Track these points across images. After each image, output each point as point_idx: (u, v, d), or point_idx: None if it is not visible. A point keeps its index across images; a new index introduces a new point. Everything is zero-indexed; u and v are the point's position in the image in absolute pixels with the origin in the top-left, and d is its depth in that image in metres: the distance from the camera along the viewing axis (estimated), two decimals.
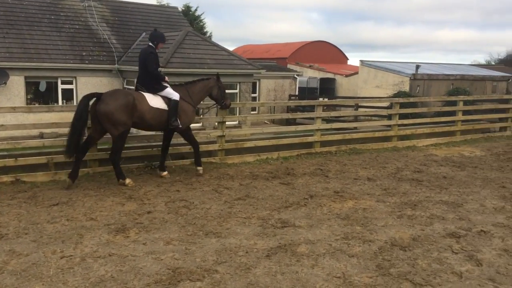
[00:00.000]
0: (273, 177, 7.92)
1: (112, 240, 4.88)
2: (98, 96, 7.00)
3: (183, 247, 4.69)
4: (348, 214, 5.89)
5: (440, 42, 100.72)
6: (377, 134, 11.20)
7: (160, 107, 7.31)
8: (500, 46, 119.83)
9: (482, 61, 56.15)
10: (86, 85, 17.71)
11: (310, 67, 32.79)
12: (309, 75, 31.47)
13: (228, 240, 4.92)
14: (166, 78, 7.67)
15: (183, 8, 41.34)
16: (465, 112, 13.24)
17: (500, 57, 55.35)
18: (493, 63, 52.15)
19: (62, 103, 17.66)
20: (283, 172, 8.31)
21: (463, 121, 12.88)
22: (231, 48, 41.48)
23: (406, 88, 25.48)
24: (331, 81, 31.59)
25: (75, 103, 16.97)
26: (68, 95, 18.00)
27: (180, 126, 7.49)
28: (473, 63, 47.64)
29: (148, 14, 22.79)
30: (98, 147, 7.76)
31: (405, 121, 11.89)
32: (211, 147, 8.81)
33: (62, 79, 17.80)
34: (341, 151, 10.47)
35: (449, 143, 12.23)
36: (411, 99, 13.46)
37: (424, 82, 26.37)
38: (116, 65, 18.42)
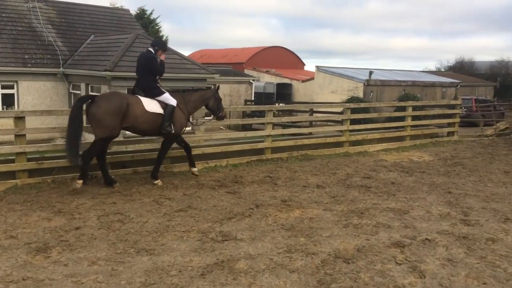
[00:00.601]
0: (220, 186, 7.59)
1: (30, 261, 4.38)
2: (92, 98, 7.03)
3: (109, 267, 4.27)
4: (294, 225, 5.65)
5: (394, 49, 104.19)
6: (328, 140, 11.11)
7: (156, 112, 7.30)
8: (450, 54, 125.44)
9: (433, 68, 58.26)
10: (29, 89, 16.73)
11: (267, 72, 32.82)
12: (266, 80, 31.48)
13: (162, 257, 4.54)
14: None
15: (138, 11, 40.41)
16: (414, 118, 13.45)
17: (449, 64, 57.56)
18: (443, 70, 54.18)
19: (2, 108, 16.57)
20: (231, 180, 7.99)
21: (412, 126, 13.07)
22: (187, 53, 40.95)
23: (360, 93, 25.91)
24: (288, 86, 31.72)
25: (16, 109, 16.00)
26: (9, 100, 16.92)
27: (173, 131, 7.49)
28: (425, 70, 49.35)
29: (98, 17, 21.95)
30: (28, 156, 7.17)
31: (356, 127, 11.89)
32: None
33: (2, 83, 16.72)
34: (292, 157, 10.29)
35: (399, 148, 12.33)
36: (362, 105, 13.54)
37: (378, 87, 26.94)
38: (61, 69, 17.53)
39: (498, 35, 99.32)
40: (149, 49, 7.59)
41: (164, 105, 7.41)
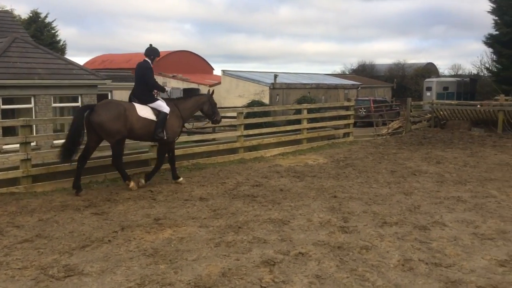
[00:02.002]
0: (87, 206, 6.70)
1: None
2: (91, 107, 7.44)
3: None
4: (158, 249, 4.98)
5: (305, 53, 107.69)
6: (221, 147, 10.62)
7: (148, 118, 7.64)
8: (354, 58, 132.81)
9: (339, 71, 60.96)
10: None
11: (173, 77, 31.80)
12: (173, 85, 30.47)
13: None
14: (167, 88, 8.39)
15: (31, 15, 37.22)
16: (312, 120, 13.47)
17: (353, 68, 60.62)
18: (347, 73, 56.89)
19: None
20: (103, 199, 7.12)
21: (308, 129, 13.05)
22: (89, 58, 38.45)
23: (266, 97, 25.97)
24: (195, 91, 30.94)
25: None
26: None
27: (165, 138, 7.82)
28: (332, 73, 51.37)
29: None
30: None
31: (251, 131, 11.54)
32: (12, 174, 7.23)
33: None
34: (182, 167, 9.62)
35: (296, 151, 12.23)
36: (255, 108, 13.24)
37: (283, 91, 27.22)
38: None
39: (396, 40, 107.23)
40: (146, 59, 7.98)
41: (157, 112, 7.77)
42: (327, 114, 14.21)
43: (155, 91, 8.07)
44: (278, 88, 26.60)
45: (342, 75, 47.84)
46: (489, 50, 31.01)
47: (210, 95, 8.68)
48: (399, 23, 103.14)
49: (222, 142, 10.96)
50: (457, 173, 9.08)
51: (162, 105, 7.82)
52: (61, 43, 38.25)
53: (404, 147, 13.02)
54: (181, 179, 8.32)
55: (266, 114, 13.95)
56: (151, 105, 7.78)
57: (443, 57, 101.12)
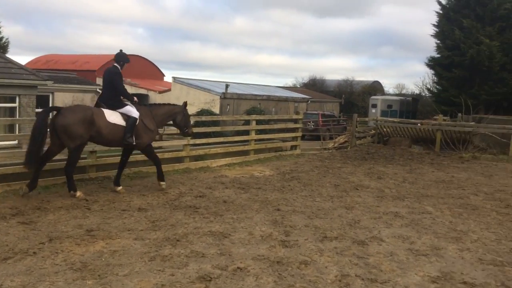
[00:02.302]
0: (14, 215, 6.23)
1: None
2: (57, 109, 7.34)
3: None
4: (87, 262, 4.68)
5: (259, 65, 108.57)
6: (166, 155, 10.32)
7: (117, 123, 7.54)
8: (306, 72, 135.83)
9: (291, 85, 61.97)
10: None
11: None
12: None
13: None
14: (135, 98, 8.05)
15: None
16: (260, 131, 13.48)
17: (304, 81, 61.87)
18: (298, 86, 57.95)
19: None
20: (33, 207, 6.66)
21: (257, 140, 13.04)
22: (32, 57, 36.61)
23: (217, 106, 25.82)
24: (144, 97, 30.28)
25: None
26: None
27: (134, 143, 7.77)
28: (284, 86, 52.08)
29: None
30: None
31: (198, 141, 11.34)
32: None
33: None
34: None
35: (243, 162, 12.15)
36: (203, 118, 13.08)
37: (234, 101, 27.20)
38: None
39: (347, 57, 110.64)
40: (115, 64, 7.89)
41: (126, 117, 7.66)
42: (275, 126, 14.28)
43: (135, 98, 8.10)
44: (229, 98, 26.55)
45: (293, 88, 48.65)
46: (430, 72, 32.67)
47: (184, 106, 8.72)
48: (350, 41, 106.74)
49: (168, 150, 10.66)
50: (396, 189, 9.36)
51: (132, 110, 7.76)
52: (3, 40, 36.21)
53: (348, 162, 13.30)
54: (164, 183, 8.29)
55: (215, 123, 13.77)
56: (120, 110, 7.71)
57: (389, 76, 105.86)
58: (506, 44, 24.62)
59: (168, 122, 8.76)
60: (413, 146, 17.79)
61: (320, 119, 26.31)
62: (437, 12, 28.78)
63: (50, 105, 20.46)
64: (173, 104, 8.81)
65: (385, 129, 18.90)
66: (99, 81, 28.80)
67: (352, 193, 8.79)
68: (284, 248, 5.37)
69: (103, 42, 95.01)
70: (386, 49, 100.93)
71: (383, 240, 5.81)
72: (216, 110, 25.45)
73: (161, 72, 39.22)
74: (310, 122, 25.19)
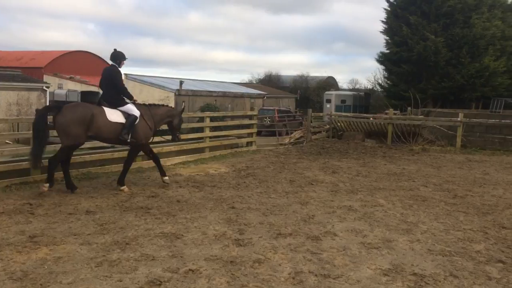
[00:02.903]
0: None
1: None
2: (59, 107, 7.39)
3: None
4: (29, 271, 4.38)
5: (214, 61, 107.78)
6: (116, 155, 9.95)
7: (118, 122, 7.67)
8: (261, 68, 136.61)
9: (247, 81, 62.02)
10: None
11: (70, 78, 29.70)
12: (69, 87, 28.42)
13: None
14: (135, 97, 8.17)
15: None
16: (215, 128, 13.31)
17: (259, 77, 62.07)
18: (254, 82, 58.07)
19: None
20: None
21: (212, 137, 12.87)
22: None
23: (171, 103, 25.32)
24: (95, 94, 29.19)
25: None
26: None
27: (129, 140, 7.87)
28: (240, 82, 52.00)
29: None
30: None
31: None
32: None
33: None
34: (71, 177, 8.81)
35: (198, 160, 11.95)
36: None
37: (189, 97, 26.81)
38: None
39: (301, 53, 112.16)
40: (112, 63, 8.04)
41: (126, 115, 7.78)
42: (230, 122, 14.16)
43: (134, 97, 8.21)
44: (184, 94, 26.13)
45: (249, 84, 48.67)
46: (381, 67, 33.65)
47: (181, 110, 9.05)
48: (304, 38, 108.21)
49: (118, 149, 10.29)
50: (350, 183, 9.50)
51: (133, 109, 7.90)
52: None
53: (304, 157, 13.40)
54: (167, 177, 8.56)
55: None
56: (121, 108, 7.83)
57: (342, 71, 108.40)
58: (451, 40, 25.71)
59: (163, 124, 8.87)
60: (366, 140, 18.22)
61: (276, 114, 26.42)
62: (385, 9, 29.65)
63: None
64: (171, 106, 9.06)
65: (339, 124, 19.23)
66: (47, 78, 27.56)
67: (307, 188, 8.83)
68: (238, 247, 5.28)
69: (51, 38, 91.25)
70: (339, 45, 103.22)
71: (337, 235, 5.84)
72: None
73: None
74: (266, 118, 25.24)
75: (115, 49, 8.16)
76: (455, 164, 12.55)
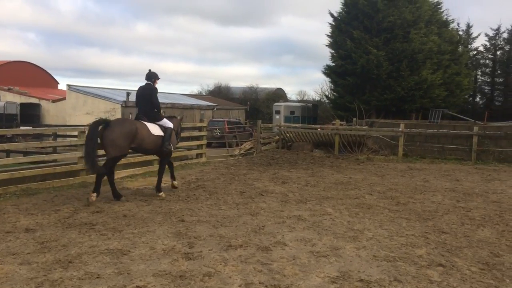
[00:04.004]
0: None
1: None
2: (107, 122, 8.14)
3: None
4: None
5: (164, 72, 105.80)
6: (58, 169, 9.54)
7: (158, 134, 8.62)
8: (211, 79, 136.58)
9: (197, 92, 61.63)
10: None
11: (9, 90, 28.17)
12: (8, 99, 26.94)
13: None
14: (162, 111, 9.21)
15: None
16: None
17: (209, 89, 61.94)
18: (204, 94, 57.85)
19: None
20: None
21: None
22: None
23: (118, 115, 24.69)
24: (36, 106, 27.93)
25: None
26: None
27: (173, 150, 9.10)
28: (190, 93, 51.56)
29: None
30: None
31: None
32: None
33: None
34: (9, 193, 8.35)
35: (146, 173, 11.69)
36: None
37: (136, 109, 26.21)
38: None
39: (250, 65, 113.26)
40: (148, 82, 8.84)
41: (163, 128, 8.77)
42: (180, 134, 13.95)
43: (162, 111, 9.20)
44: (131, 106, 25.48)
45: (199, 96, 48.44)
46: (327, 80, 34.64)
47: (180, 119, 10.14)
48: (253, 50, 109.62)
49: (61, 164, 9.85)
50: (299, 193, 9.64)
51: (168, 122, 8.96)
52: None
53: (254, 168, 13.47)
54: (176, 182, 9.55)
55: None
56: (159, 122, 8.78)
57: (291, 83, 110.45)
58: (391, 54, 26.95)
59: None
60: (314, 150, 18.63)
61: (226, 126, 26.44)
62: (330, 24, 30.66)
63: None
64: (176, 117, 9.96)
65: (288, 135, 19.54)
66: None
67: (258, 199, 8.86)
68: (188, 261, 5.19)
69: None
70: (288, 58, 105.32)
71: (287, 244, 5.89)
72: None
73: (55, 79, 36.52)
74: (216, 129, 25.17)
75: (149, 70, 9.05)
76: (397, 173, 13.09)
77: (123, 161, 11.41)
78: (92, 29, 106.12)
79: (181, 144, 13.92)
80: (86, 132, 8.41)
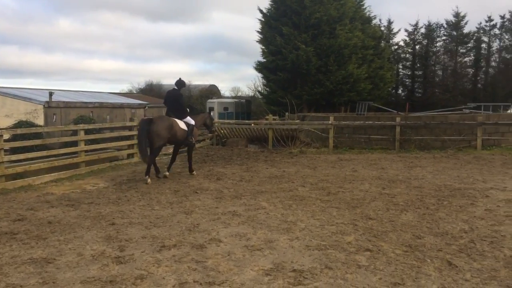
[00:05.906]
0: None
1: None
2: (150, 119, 10.45)
3: None
4: None
5: (90, 71, 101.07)
6: None
7: (184, 129, 10.86)
8: (142, 77, 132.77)
9: (127, 90, 59.57)
10: None
11: None
12: None
13: None
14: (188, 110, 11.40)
15: None
16: (92, 141, 12.52)
17: (140, 87, 60.12)
18: (134, 92, 56.05)
19: None
20: None
21: (87, 151, 12.07)
22: None
23: (40, 116, 23.25)
24: None
25: None
26: None
27: (194, 143, 11.62)
28: (120, 92, 49.67)
29: None
30: None
31: (14, 157, 9.96)
32: None
33: None
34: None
35: (72, 176, 11.12)
36: (19, 130, 11.57)
37: (61, 110, 24.85)
38: None
39: (182, 62, 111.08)
40: (175, 88, 11.08)
41: (187, 124, 10.97)
42: (107, 134, 13.43)
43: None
44: (54, 106, 24.11)
45: (129, 94, 46.81)
46: (259, 75, 35.00)
47: (208, 113, 13.04)
48: (185, 46, 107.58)
49: None
50: (234, 188, 9.66)
51: (191, 120, 11.16)
52: None
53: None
54: (168, 173, 11.23)
55: (37, 136, 12.30)
56: (184, 120, 10.97)
57: (225, 79, 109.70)
58: (319, 49, 27.77)
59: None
60: (249, 145, 18.76)
61: None
62: (260, 20, 30.94)
63: None
64: (203, 112, 12.43)
65: (222, 131, 19.50)
66: None
67: (192, 197, 8.76)
68: (118, 265, 5.01)
69: None
70: (221, 54, 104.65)
71: (221, 241, 5.88)
72: (40, 121, 22.86)
73: None
74: None
75: (180, 78, 11.17)
76: (328, 164, 13.55)
77: (45, 164, 10.83)
78: (10, 26, 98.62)
79: (110, 144, 13.42)
80: (137, 129, 11.23)
